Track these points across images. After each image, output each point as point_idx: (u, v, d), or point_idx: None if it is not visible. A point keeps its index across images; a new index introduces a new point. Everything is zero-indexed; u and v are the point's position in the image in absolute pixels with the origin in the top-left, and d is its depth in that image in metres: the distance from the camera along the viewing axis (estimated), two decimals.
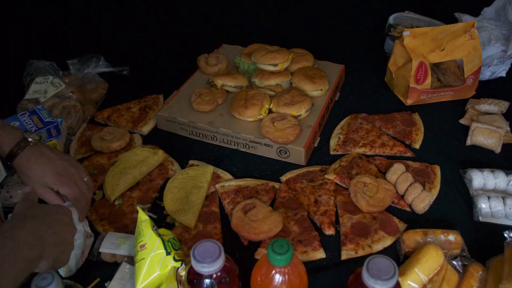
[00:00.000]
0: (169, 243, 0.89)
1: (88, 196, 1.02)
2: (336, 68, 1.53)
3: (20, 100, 1.41)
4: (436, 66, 1.45)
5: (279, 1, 1.89)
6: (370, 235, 1.06)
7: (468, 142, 1.30)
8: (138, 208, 0.95)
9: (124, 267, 0.95)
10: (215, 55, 1.57)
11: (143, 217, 0.92)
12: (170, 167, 1.26)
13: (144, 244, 0.89)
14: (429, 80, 1.39)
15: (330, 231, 1.08)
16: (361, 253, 1.03)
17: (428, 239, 1.01)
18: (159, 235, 0.90)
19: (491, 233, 1.07)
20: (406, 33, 1.37)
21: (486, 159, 1.26)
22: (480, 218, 1.10)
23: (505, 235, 0.96)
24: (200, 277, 0.78)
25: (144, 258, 0.88)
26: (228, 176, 1.23)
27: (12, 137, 0.97)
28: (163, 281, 0.87)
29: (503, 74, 1.51)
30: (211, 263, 0.75)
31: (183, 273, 0.85)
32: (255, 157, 1.31)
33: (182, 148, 1.33)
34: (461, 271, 0.95)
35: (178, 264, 0.87)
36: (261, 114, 1.31)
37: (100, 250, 0.98)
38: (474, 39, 1.39)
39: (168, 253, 0.87)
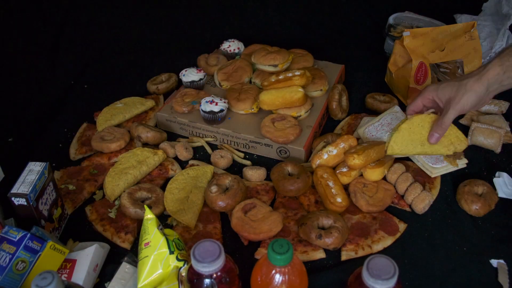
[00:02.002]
0: (173, 243, 0.89)
1: None
2: (336, 68, 1.53)
3: None
4: (436, 66, 1.45)
5: (279, 1, 1.89)
6: (370, 235, 1.06)
7: (468, 142, 1.30)
8: (145, 206, 0.95)
9: (124, 267, 0.95)
10: (215, 55, 1.57)
11: (149, 215, 0.93)
12: (170, 167, 1.26)
13: (148, 242, 0.89)
14: (429, 80, 1.39)
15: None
16: (361, 253, 1.03)
17: None
18: (164, 234, 0.90)
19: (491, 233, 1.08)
20: (406, 33, 1.37)
21: (486, 159, 1.26)
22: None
23: None
24: (200, 276, 0.78)
25: (147, 256, 0.88)
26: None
27: None
28: (165, 280, 0.87)
29: None
30: (211, 263, 0.75)
31: (184, 273, 0.85)
32: (256, 157, 1.31)
33: None
34: None
35: (180, 263, 0.87)
36: (253, 108, 1.32)
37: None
38: (474, 39, 1.39)
39: (171, 252, 0.87)
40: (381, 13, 1.79)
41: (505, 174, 1.17)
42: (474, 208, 1.10)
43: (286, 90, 1.28)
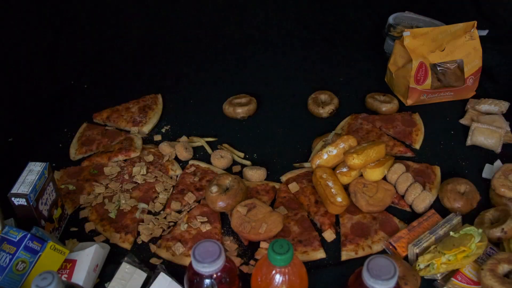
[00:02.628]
0: None
1: None
2: None
3: None
4: (436, 66, 1.45)
5: (279, 1, 1.88)
6: (370, 236, 1.06)
7: (468, 142, 1.30)
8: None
9: (124, 267, 0.95)
10: None
11: None
12: (170, 167, 1.26)
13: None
14: (429, 80, 1.39)
15: (329, 235, 1.08)
16: (361, 253, 1.03)
17: None
18: None
19: None
20: (406, 33, 1.37)
21: (486, 159, 1.26)
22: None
23: None
24: (200, 277, 0.78)
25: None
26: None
27: None
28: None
29: None
30: (211, 263, 0.75)
31: None
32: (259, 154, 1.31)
33: None
34: None
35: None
36: None
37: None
38: (474, 39, 1.39)
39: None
40: (381, 13, 1.79)
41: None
42: (456, 206, 1.10)
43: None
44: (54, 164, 1.27)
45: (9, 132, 1.38)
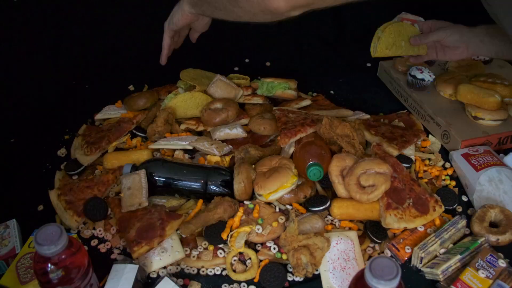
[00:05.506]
0: None
1: None
2: None
3: None
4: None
5: None
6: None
7: None
8: None
9: (115, 269, 0.94)
10: None
11: None
12: None
13: None
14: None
15: None
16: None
17: None
18: None
19: None
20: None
21: None
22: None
23: None
24: (45, 263, 0.79)
25: None
26: None
27: None
28: None
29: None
30: (51, 245, 0.77)
31: None
32: None
33: None
34: None
35: None
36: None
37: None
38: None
39: None
40: (382, 13, 1.79)
41: None
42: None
43: (484, 91, 1.30)
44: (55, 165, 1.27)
45: (11, 132, 1.38)
